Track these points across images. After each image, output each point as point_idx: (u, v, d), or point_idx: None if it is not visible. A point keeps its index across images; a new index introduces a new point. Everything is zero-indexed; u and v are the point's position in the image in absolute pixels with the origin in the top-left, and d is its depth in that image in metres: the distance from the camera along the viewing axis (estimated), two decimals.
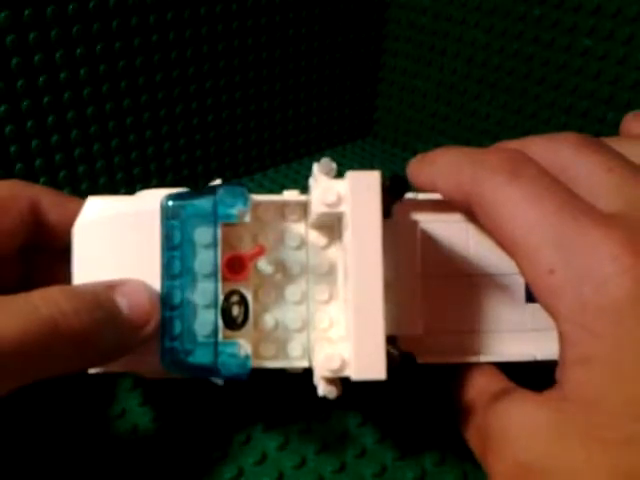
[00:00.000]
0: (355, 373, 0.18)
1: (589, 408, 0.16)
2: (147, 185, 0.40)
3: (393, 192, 0.20)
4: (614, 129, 0.37)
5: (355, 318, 0.18)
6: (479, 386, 0.21)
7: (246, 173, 0.45)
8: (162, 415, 0.25)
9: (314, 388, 0.20)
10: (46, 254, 0.24)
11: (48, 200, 0.23)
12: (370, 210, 0.19)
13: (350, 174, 0.19)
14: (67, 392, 0.26)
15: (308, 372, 0.21)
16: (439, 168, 0.21)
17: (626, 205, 0.18)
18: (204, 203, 0.20)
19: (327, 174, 0.20)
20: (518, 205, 0.18)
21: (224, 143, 0.43)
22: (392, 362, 0.19)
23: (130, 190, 0.39)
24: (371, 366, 0.18)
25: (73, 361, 0.19)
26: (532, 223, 0.18)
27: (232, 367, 0.20)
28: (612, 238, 0.17)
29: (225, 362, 0.20)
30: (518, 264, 0.18)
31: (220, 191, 0.20)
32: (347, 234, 0.19)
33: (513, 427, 0.18)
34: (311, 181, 0.21)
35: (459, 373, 0.21)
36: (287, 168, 0.46)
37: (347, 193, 0.19)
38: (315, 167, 0.20)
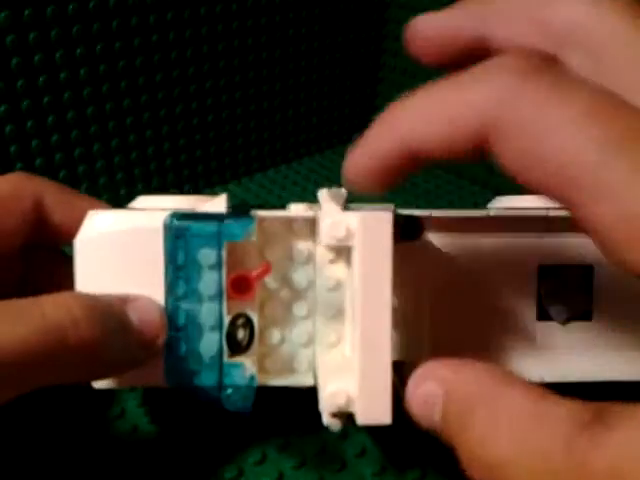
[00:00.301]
0: (360, 418, 0.18)
1: None
2: (147, 185, 0.40)
3: (406, 232, 0.19)
4: None
5: (361, 363, 0.18)
6: None
7: (246, 173, 0.45)
8: (162, 415, 0.25)
9: (314, 389, 0.20)
10: (47, 253, 0.24)
11: (52, 197, 0.23)
12: (380, 252, 0.18)
13: (360, 217, 0.18)
14: (67, 392, 0.26)
15: (313, 388, 0.21)
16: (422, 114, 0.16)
17: None
18: (209, 223, 0.20)
19: (336, 201, 0.19)
20: (579, 131, 0.13)
21: (224, 143, 0.43)
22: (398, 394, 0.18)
23: (130, 190, 0.39)
24: (376, 411, 0.18)
25: (79, 372, 0.19)
26: (603, 155, 0.13)
27: (237, 390, 0.20)
28: None
29: (229, 385, 0.20)
30: (582, 213, 0.13)
31: (226, 222, 0.19)
32: (355, 272, 0.18)
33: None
34: (318, 212, 0.20)
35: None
36: (287, 168, 0.46)
37: (357, 230, 0.18)
38: (324, 194, 0.20)
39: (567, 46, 0.16)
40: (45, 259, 0.24)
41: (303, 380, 0.21)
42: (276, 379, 0.21)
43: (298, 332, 0.21)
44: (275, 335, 0.21)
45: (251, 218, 0.20)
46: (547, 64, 0.14)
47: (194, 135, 0.41)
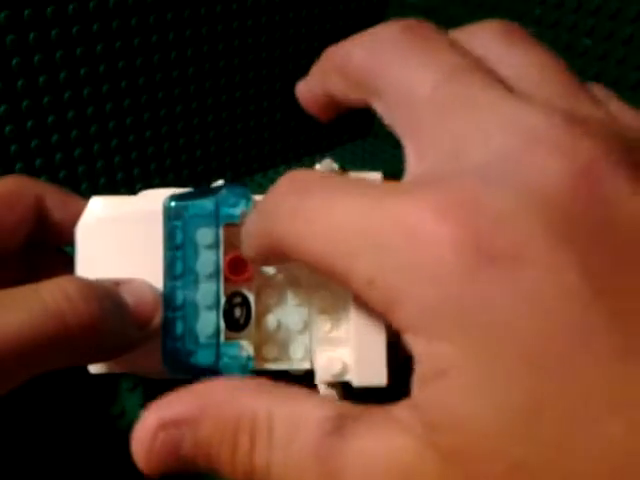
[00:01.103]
0: (356, 379, 0.18)
1: (457, 431, 0.12)
2: (147, 185, 0.40)
3: None
4: None
5: (356, 324, 0.18)
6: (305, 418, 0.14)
7: (246, 173, 0.45)
8: None
9: (314, 389, 0.20)
10: (47, 253, 0.24)
11: (53, 198, 0.23)
12: None
13: (352, 175, 0.19)
14: (67, 392, 0.26)
15: (310, 373, 0.21)
16: (248, 243, 0.18)
17: (432, 164, 0.15)
18: (206, 204, 0.20)
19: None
20: (313, 219, 0.15)
21: (224, 143, 0.43)
22: (393, 366, 0.19)
23: (130, 190, 0.39)
24: (372, 372, 0.18)
25: (77, 354, 0.19)
26: (334, 233, 0.14)
27: (234, 370, 0.20)
28: (416, 206, 0.13)
29: (227, 365, 0.20)
30: (344, 285, 0.15)
31: (222, 192, 0.20)
32: None
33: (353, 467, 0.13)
34: None
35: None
36: (287, 168, 0.46)
37: None
38: (317, 167, 0.20)
39: (366, 91, 0.17)
40: (45, 259, 0.24)
41: (300, 364, 0.21)
42: (272, 364, 0.21)
43: (294, 319, 0.21)
44: (271, 322, 0.21)
45: (246, 187, 0.20)
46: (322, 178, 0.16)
47: (194, 135, 0.41)
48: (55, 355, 0.18)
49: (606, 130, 0.13)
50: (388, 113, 0.16)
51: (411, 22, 0.17)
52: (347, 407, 0.14)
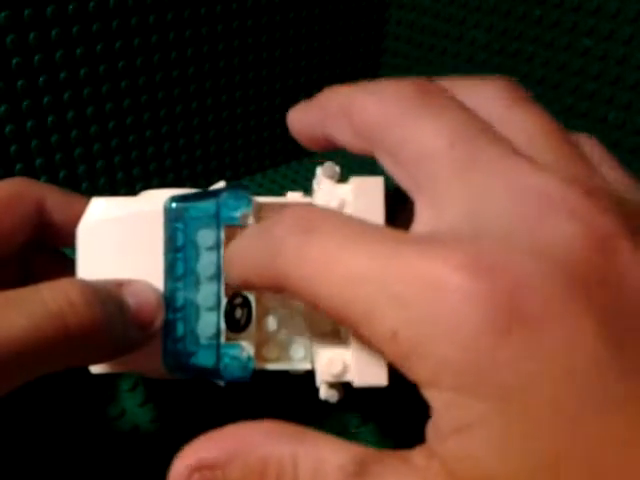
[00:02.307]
0: (357, 379, 0.18)
1: None
2: (147, 185, 0.40)
3: (397, 197, 0.20)
4: (615, 130, 0.37)
5: None
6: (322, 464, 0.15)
7: (246, 173, 0.45)
8: (162, 415, 0.25)
9: (315, 389, 0.20)
10: (48, 255, 0.24)
11: (54, 200, 0.23)
12: (373, 216, 0.19)
13: (354, 180, 0.19)
14: (67, 392, 0.26)
15: (310, 373, 0.21)
16: (239, 263, 0.18)
17: (445, 214, 0.15)
18: (207, 206, 0.20)
19: (330, 178, 0.20)
20: (323, 263, 0.15)
21: (224, 143, 0.43)
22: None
23: (130, 190, 0.39)
24: (372, 372, 0.18)
25: (79, 356, 0.19)
26: (347, 280, 0.14)
27: (234, 370, 0.20)
28: (439, 262, 0.13)
29: (227, 365, 0.20)
30: (361, 333, 0.15)
31: (223, 194, 0.20)
32: None
33: None
34: (314, 184, 0.21)
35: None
36: (287, 168, 0.46)
37: (350, 198, 0.19)
38: (318, 170, 0.20)
39: (372, 144, 0.17)
40: (46, 261, 0.24)
41: (300, 365, 0.21)
42: (273, 364, 0.21)
43: (294, 319, 0.21)
44: (272, 323, 0.21)
45: (247, 189, 0.20)
46: (314, 222, 0.16)
47: (194, 135, 0.41)
48: (56, 358, 0.18)
49: (613, 200, 0.14)
50: (396, 167, 0.17)
51: (425, 83, 0.17)
52: (366, 451, 0.15)
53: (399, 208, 0.21)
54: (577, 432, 0.12)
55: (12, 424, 0.24)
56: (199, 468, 0.15)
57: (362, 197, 0.19)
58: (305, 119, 0.20)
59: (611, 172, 0.16)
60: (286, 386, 0.25)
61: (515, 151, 0.15)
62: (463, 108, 0.16)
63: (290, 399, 0.25)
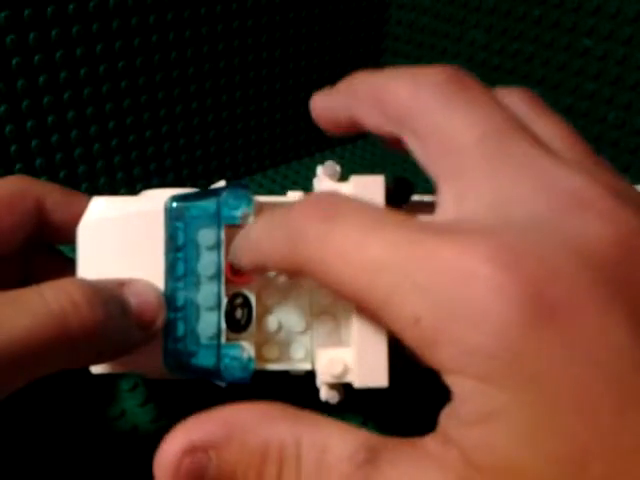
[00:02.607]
0: (357, 380, 0.18)
1: (501, 475, 0.13)
2: (147, 185, 0.40)
3: (397, 196, 0.20)
4: (615, 130, 0.37)
5: (357, 324, 0.18)
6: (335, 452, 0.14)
7: (246, 173, 0.45)
8: (162, 415, 0.25)
9: (315, 390, 0.20)
10: (48, 254, 0.24)
11: (54, 198, 0.23)
12: None
13: (354, 178, 0.19)
14: (67, 392, 0.26)
15: (310, 373, 0.21)
16: (256, 247, 0.18)
17: (478, 205, 0.15)
18: (208, 205, 0.20)
19: (331, 177, 0.20)
20: (346, 249, 0.15)
21: (224, 143, 0.43)
22: (395, 368, 0.18)
23: (130, 190, 0.39)
24: (373, 374, 0.18)
25: (81, 356, 0.19)
26: (370, 266, 0.14)
27: (235, 371, 0.20)
28: (467, 251, 0.13)
29: (228, 366, 0.20)
30: (382, 319, 0.15)
31: (224, 193, 0.20)
32: None
33: None
34: (315, 183, 0.21)
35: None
36: (287, 168, 0.46)
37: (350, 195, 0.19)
38: (319, 169, 0.20)
39: (402, 128, 0.17)
40: (46, 260, 0.24)
41: (301, 365, 0.21)
42: (273, 364, 0.21)
43: (295, 320, 0.21)
44: (272, 323, 0.21)
45: (247, 188, 0.20)
46: (331, 208, 0.16)
47: (194, 135, 0.41)
48: (58, 358, 0.18)
49: (636, 201, 0.15)
50: (424, 154, 0.17)
51: (458, 71, 0.17)
52: (376, 438, 0.15)
53: (399, 207, 0.21)
54: (604, 425, 0.12)
55: (12, 424, 0.24)
56: (191, 451, 0.14)
57: (362, 196, 0.19)
58: (330, 102, 0.20)
59: (620, 177, 0.17)
60: (286, 387, 0.25)
61: (545, 148, 0.16)
62: (494, 100, 0.16)
63: (290, 400, 0.25)
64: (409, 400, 0.25)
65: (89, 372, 0.21)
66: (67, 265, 0.22)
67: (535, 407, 0.13)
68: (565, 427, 0.12)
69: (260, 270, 0.19)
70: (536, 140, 0.16)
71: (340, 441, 0.14)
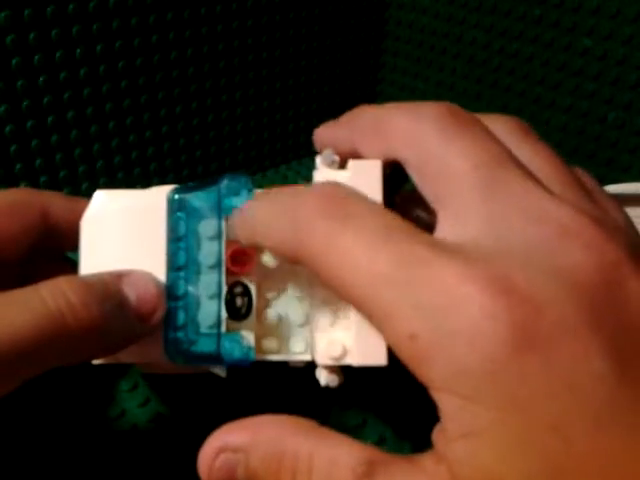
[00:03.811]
0: (356, 359, 0.18)
1: None
2: (147, 185, 0.40)
3: (394, 180, 0.20)
4: (615, 130, 0.37)
5: (357, 314, 0.18)
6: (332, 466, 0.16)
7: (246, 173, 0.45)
8: (162, 415, 0.25)
9: (315, 388, 0.20)
10: (53, 259, 0.25)
11: (58, 206, 0.23)
12: (372, 197, 0.19)
13: (352, 163, 0.20)
14: (67, 392, 0.26)
15: (310, 369, 0.21)
16: (257, 226, 0.19)
17: (478, 229, 0.16)
18: (209, 195, 0.20)
19: (329, 166, 0.20)
20: (354, 257, 0.16)
21: (224, 143, 0.43)
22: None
23: None
24: (372, 352, 0.18)
25: (80, 353, 0.19)
26: (375, 279, 0.15)
27: (235, 352, 0.20)
28: (468, 277, 0.14)
29: (228, 348, 0.20)
30: (379, 329, 0.16)
31: (224, 181, 0.20)
32: None
33: None
34: (315, 175, 0.21)
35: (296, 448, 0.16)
36: (287, 168, 0.46)
37: (349, 182, 0.19)
38: (318, 160, 0.20)
39: (402, 155, 0.18)
40: (51, 266, 0.24)
41: (300, 356, 0.21)
42: (273, 355, 0.21)
43: (295, 312, 0.21)
44: (272, 315, 0.21)
45: (248, 177, 0.20)
46: (340, 202, 0.17)
47: (194, 135, 0.41)
48: (56, 355, 0.18)
49: (618, 231, 0.16)
50: (422, 179, 0.18)
51: (454, 106, 0.18)
52: (377, 453, 0.16)
53: (397, 190, 0.21)
54: (577, 446, 0.13)
55: (12, 424, 0.24)
56: (224, 449, 0.17)
57: (360, 180, 0.19)
58: (332, 133, 0.21)
59: (609, 203, 0.18)
60: (286, 388, 0.25)
61: (533, 178, 0.17)
62: (488, 133, 0.18)
63: (290, 401, 0.25)
64: (409, 399, 0.25)
65: (89, 372, 0.21)
66: (72, 270, 0.22)
67: (515, 426, 0.14)
68: (541, 446, 0.13)
69: (256, 247, 0.20)
70: (525, 171, 0.17)
71: (347, 455, 0.16)
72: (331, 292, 0.21)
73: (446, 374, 0.14)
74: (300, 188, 0.18)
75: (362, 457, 0.15)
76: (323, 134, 0.22)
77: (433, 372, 0.14)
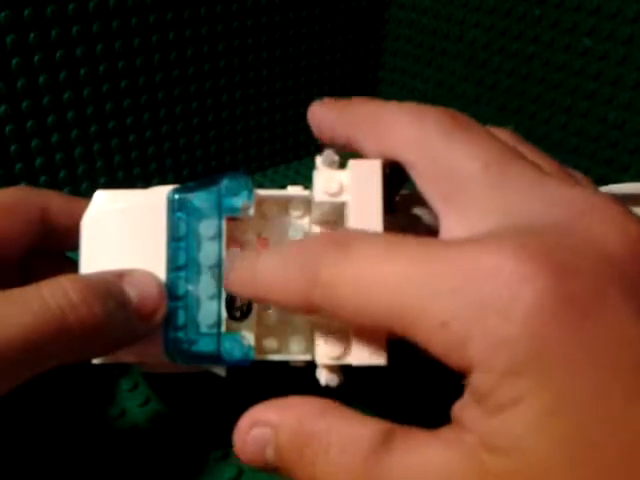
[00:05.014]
0: (356, 359, 0.18)
1: (515, 456, 0.14)
2: (147, 185, 0.40)
3: (394, 180, 0.20)
4: (615, 130, 0.37)
5: None
6: (348, 438, 0.16)
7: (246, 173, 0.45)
8: (162, 415, 0.25)
9: (315, 388, 0.20)
10: (53, 258, 0.25)
11: (57, 205, 0.23)
12: (371, 196, 0.19)
13: (352, 162, 0.20)
14: (67, 392, 0.26)
15: (310, 370, 0.21)
16: (256, 288, 0.18)
17: (497, 214, 0.16)
18: (209, 195, 0.20)
19: (329, 166, 0.20)
20: (367, 275, 0.16)
21: (224, 143, 0.43)
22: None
23: None
24: (372, 352, 0.18)
25: (81, 352, 0.19)
26: (392, 282, 0.15)
27: (235, 351, 0.20)
28: (492, 251, 0.14)
29: (228, 354, 0.20)
30: (406, 332, 0.16)
31: (224, 181, 0.20)
32: (349, 221, 0.19)
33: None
34: (315, 175, 0.21)
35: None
36: (287, 168, 0.46)
37: (349, 181, 0.19)
38: (318, 160, 0.20)
39: (402, 156, 0.19)
40: (51, 264, 0.24)
41: (300, 356, 0.21)
42: (273, 355, 0.21)
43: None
44: (272, 316, 0.21)
45: (248, 176, 0.21)
46: (341, 241, 0.17)
47: (194, 135, 0.41)
48: (58, 354, 0.18)
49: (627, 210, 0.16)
50: (426, 181, 0.18)
51: (456, 111, 0.19)
52: (394, 426, 0.16)
53: (397, 190, 0.21)
54: (613, 412, 0.13)
55: (12, 424, 0.24)
56: (257, 423, 0.18)
57: (360, 180, 0.19)
58: (329, 115, 0.21)
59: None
60: (286, 388, 0.25)
61: (540, 169, 0.17)
62: (491, 134, 0.18)
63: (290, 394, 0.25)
64: (410, 395, 0.25)
65: (89, 372, 0.21)
66: (74, 269, 0.22)
67: (551, 393, 0.13)
68: (577, 413, 0.13)
69: (260, 302, 0.20)
70: (532, 164, 0.17)
71: (363, 427, 0.16)
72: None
73: (487, 347, 0.14)
74: (297, 240, 0.19)
75: (378, 428, 0.16)
76: (320, 113, 0.22)
77: (471, 351, 0.14)
